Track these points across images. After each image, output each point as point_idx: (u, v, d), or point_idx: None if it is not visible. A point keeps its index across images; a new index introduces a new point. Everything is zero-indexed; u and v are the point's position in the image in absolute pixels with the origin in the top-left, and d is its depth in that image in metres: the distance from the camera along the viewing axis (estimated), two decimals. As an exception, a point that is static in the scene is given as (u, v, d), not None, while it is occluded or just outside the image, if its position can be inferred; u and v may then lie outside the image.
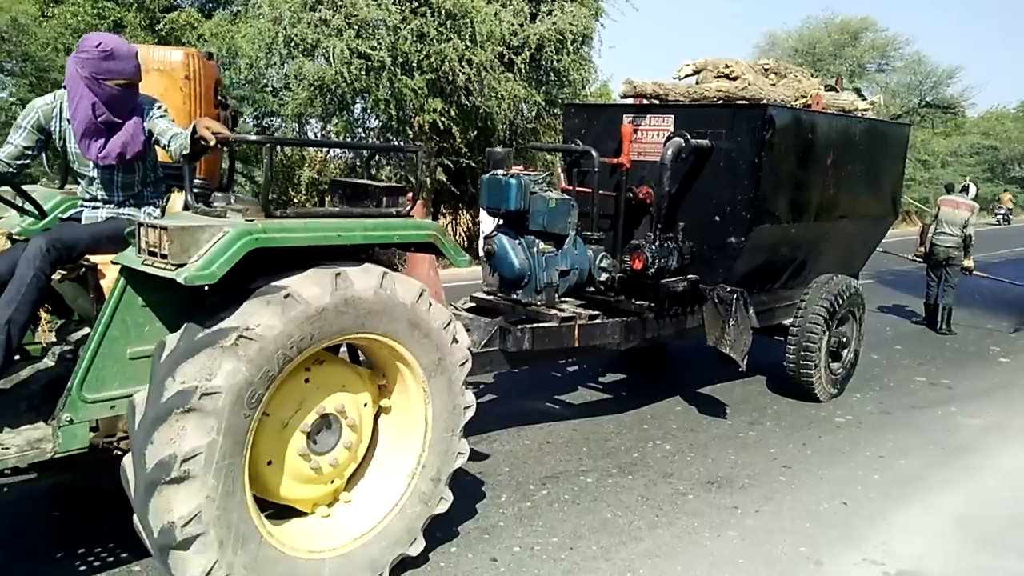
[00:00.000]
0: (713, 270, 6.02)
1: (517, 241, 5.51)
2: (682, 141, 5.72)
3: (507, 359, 5.34)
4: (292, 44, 12.45)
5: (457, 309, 5.64)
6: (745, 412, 6.58)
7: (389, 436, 3.91)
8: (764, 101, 5.89)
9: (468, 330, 5.29)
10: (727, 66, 5.99)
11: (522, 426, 5.94)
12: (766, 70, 6.45)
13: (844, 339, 6.88)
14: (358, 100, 13.40)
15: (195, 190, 3.90)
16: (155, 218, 3.75)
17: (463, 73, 13.06)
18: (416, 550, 3.84)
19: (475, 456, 5.26)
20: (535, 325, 5.32)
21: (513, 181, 5.35)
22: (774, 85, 6.26)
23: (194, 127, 3.47)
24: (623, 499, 4.81)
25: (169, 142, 3.65)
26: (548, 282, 5.52)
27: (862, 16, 32.29)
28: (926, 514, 4.82)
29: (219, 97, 4.41)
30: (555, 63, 14.38)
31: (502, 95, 13.64)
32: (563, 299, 5.76)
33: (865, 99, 7.41)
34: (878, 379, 7.79)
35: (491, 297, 5.76)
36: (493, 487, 4.90)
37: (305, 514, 3.70)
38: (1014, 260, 17.94)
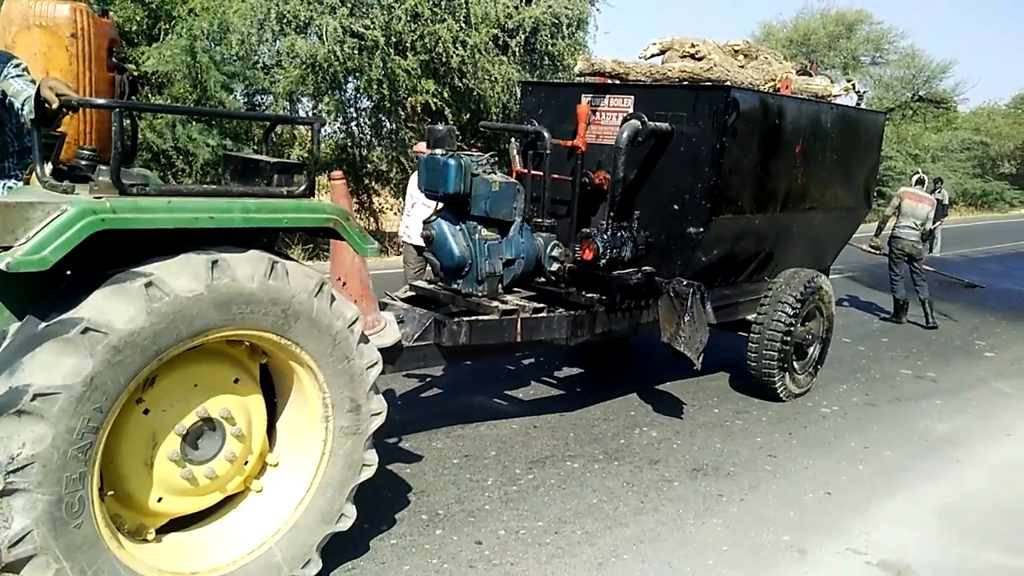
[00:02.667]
0: (671, 262, 5.41)
1: (457, 227, 4.85)
2: (638, 123, 5.06)
3: (442, 354, 4.71)
4: (284, 20, 11.86)
5: (393, 299, 5.01)
6: (732, 400, 6.25)
7: (286, 388, 3.32)
8: (728, 83, 5.19)
9: (401, 322, 4.68)
10: (693, 45, 5.30)
11: (509, 410, 5.67)
12: (735, 51, 5.73)
13: (809, 336, 6.19)
14: (350, 79, 12.78)
15: (83, 162, 3.33)
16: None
17: (457, 55, 12.52)
18: (369, 473, 3.41)
19: (462, 439, 5.11)
20: (473, 318, 4.70)
21: (452, 161, 4.68)
22: (742, 67, 5.55)
23: (38, 88, 2.84)
24: (609, 485, 4.62)
25: (23, 105, 3.04)
26: (490, 272, 4.89)
27: (857, 8, 31.09)
28: (909, 505, 4.64)
29: (113, 59, 3.75)
30: (550, 47, 13.85)
31: (495, 78, 13.10)
32: (512, 290, 5.13)
33: (860, 94, 6.70)
34: (864, 371, 7.42)
35: (431, 286, 5.12)
36: (479, 470, 4.69)
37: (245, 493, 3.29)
38: (1000, 255, 17.15)
